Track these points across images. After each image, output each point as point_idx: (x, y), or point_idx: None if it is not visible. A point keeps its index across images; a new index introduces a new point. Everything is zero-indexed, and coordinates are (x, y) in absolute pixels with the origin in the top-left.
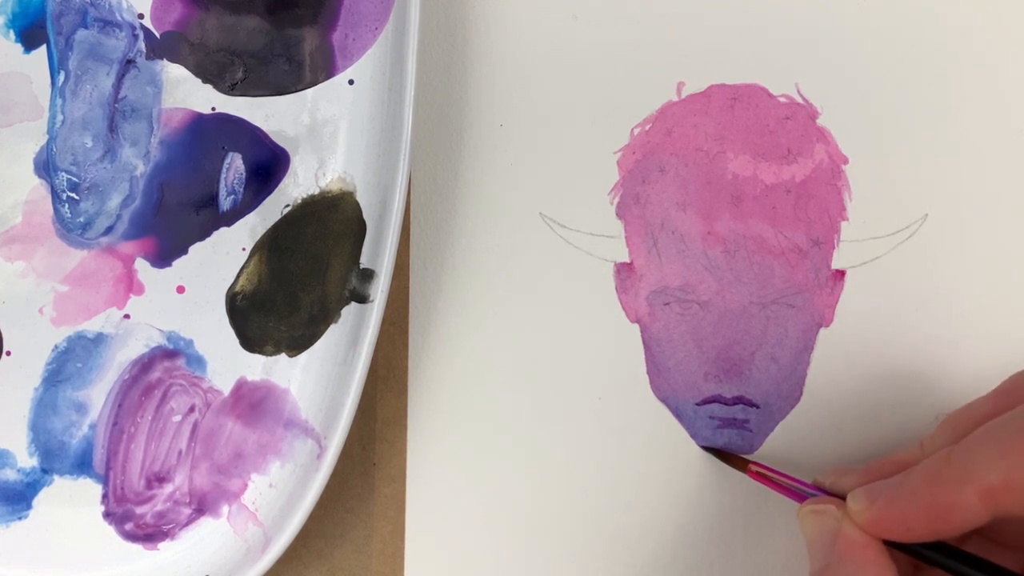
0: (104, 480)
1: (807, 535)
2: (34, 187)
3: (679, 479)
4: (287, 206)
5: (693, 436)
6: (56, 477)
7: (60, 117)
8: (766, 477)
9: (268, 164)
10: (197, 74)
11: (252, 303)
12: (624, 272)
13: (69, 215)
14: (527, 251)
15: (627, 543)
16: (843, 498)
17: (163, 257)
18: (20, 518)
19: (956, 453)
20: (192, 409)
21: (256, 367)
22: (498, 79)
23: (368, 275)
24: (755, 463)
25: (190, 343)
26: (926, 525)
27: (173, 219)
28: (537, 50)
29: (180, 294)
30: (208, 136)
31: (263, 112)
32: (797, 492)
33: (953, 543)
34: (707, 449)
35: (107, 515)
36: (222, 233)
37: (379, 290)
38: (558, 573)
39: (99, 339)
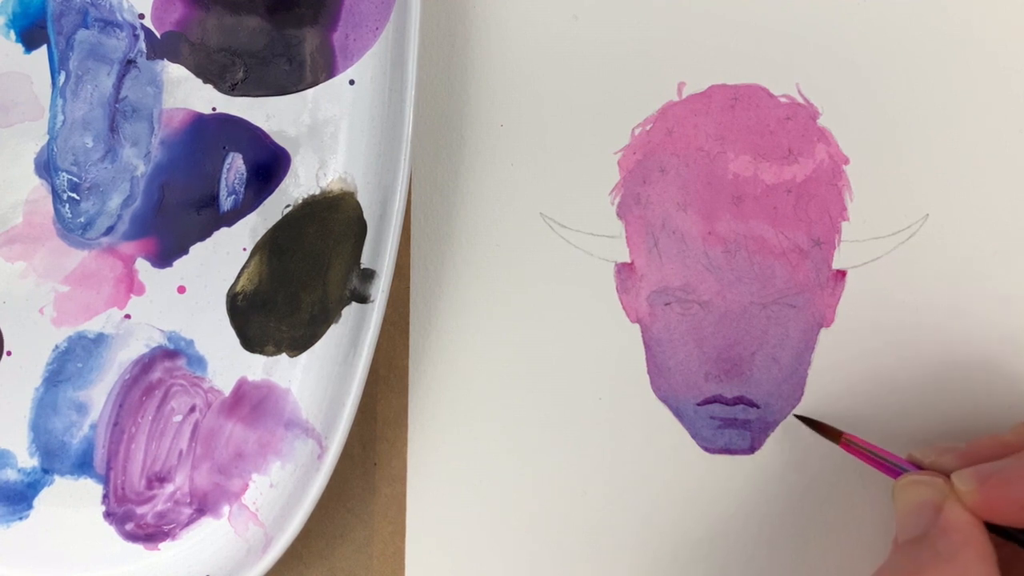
0: (105, 480)
1: (904, 505)
2: (34, 187)
3: (679, 479)
4: (288, 206)
5: (693, 436)
6: (57, 477)
7: (61, 117)
8: (859, 449)
9: (269, 164)
10: (198, 74)
11: (253, 303)
12: (625, 272)
13: (70, 215)
14: (527, 251)
15: (627, 543)
16: (944, 475)
17: (164, 257)
18: (21, 518)
19: None
20: (193, 409)
21: (257, 367)
22: (498, 79)
23: (368, 275)
24: (848, 434)
25: (191, 343)
26: None
27: (174, 219)
28: (537, 50)
29: (181, 294)
30: (209, 136)
31: (264, 112)
32: (890, 467)
33: None
34: (799, 418)
35: (108, 515)
36: (223, 233)
37: (379, 290)
38: (558, 573)
39: (100, 339)
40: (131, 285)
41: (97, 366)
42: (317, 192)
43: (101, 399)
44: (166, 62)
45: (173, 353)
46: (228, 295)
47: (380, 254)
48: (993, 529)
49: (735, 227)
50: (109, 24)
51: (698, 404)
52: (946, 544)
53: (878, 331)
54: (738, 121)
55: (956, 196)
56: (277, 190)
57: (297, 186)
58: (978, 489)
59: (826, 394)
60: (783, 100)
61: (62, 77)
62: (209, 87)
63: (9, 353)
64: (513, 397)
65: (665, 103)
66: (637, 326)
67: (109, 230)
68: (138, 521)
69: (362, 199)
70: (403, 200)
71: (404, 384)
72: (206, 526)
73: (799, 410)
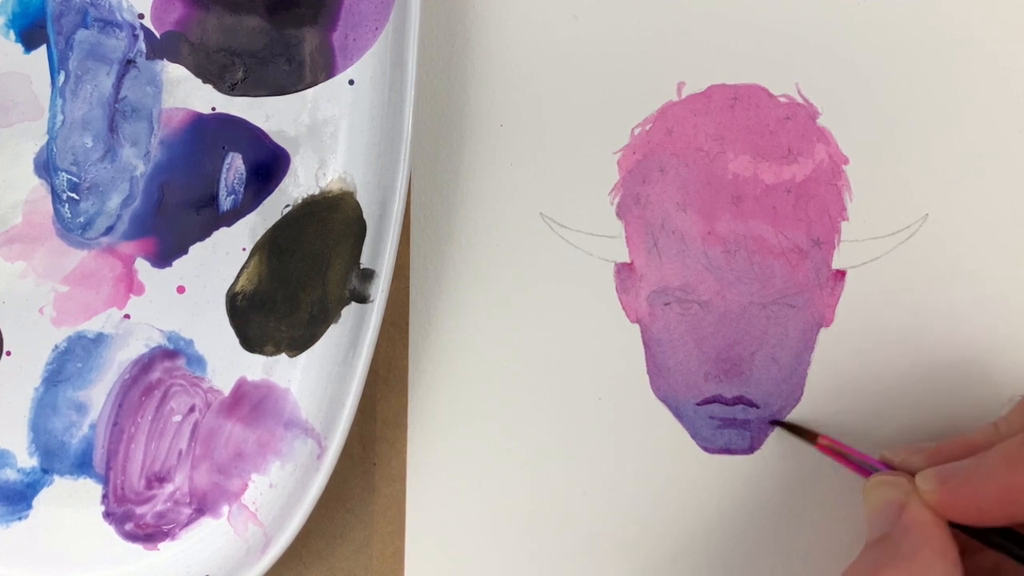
0: (104, 480)
1: (871, 505)
2: (34, 187)
3: (679, 479)
4: (287, 206)
5: (693, 436)
6: (56, 477)
7: (60, 117)
8: (834, 451)
9: (268, 164)
10: (197, 74)
11: (252, 303)
12: (624, 272)
13: (69, 215)
14: (527, 251)
15: (627, 543)
16: (911, 475)
17: (163, 257)
18: (20, 518)
19: None
20: (192, 409)
21: (256, 367)
22: (498, 79)
23: (368, 275)
24: (824, 436)
25: (190, 343)
26: (999, 509)
27: (173, 219)
28: (537, 50)
29: (180, 294)
30: (208, 136)
31: (263, 112)
32: (863, 467)
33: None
34: (775, 423)
35: (107, 515)
36: (222, 233)
37: (379, 290)
38: (558, 573)
39: (99, 339)
40: (131, 285)
41: (97, 366)
42: (317, 192)
43: (100, 399)
44: (166, 62)
45: (172, 353)
46: (228, 295)
47: (380, 254)
48: (964, 529)
49: (735, 227)
50: (109, 24)
51: (698, 404)
52: (906, 543)
53: (878, 331)
54: (738, 121)
55: (956, 196)
56: (277, 190)
57: (297, 186)
58: (938, 489)
59: (826, 394)
60: (783, 100)
61: (61, 77)
62: (209, 87)
63: (9, 353)
64: (513, 397)
65: (665, 103)
66: (637, 326)
67: (108, 230)
68: (137, 521)
69: (362, 199)
70: (403, 200)
71: (404, 384)
72: (205, 526)
73: (797, 410)
